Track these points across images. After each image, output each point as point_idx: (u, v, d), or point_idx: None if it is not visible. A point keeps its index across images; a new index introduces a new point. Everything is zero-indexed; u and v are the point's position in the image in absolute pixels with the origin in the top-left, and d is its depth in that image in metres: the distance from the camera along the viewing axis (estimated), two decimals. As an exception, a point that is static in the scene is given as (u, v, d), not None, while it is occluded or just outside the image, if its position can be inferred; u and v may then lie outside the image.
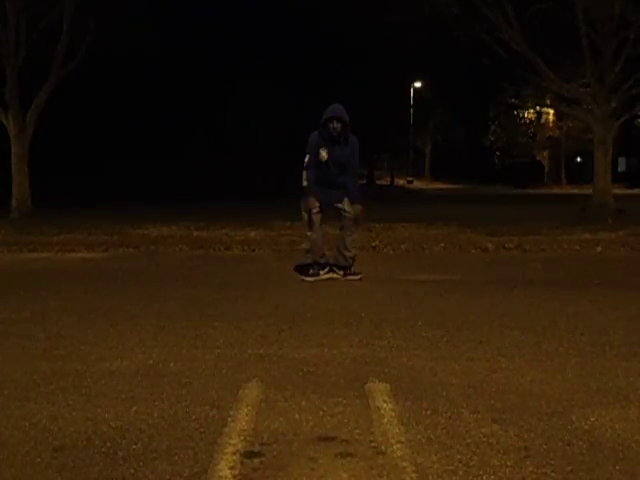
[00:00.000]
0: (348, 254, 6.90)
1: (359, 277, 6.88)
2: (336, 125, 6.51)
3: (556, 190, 41.64)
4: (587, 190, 20.25)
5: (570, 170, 50.18)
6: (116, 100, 26.80)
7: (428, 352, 4.04)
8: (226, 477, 2.41)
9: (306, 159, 6.72)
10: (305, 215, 6.77)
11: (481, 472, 2.45)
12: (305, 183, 6.71)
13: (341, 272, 6.92)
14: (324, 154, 6.65)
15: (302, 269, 7.12)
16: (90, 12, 16.12)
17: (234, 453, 2.60)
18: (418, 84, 49.75)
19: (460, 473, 2.44)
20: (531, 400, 3.20)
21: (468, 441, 2.72)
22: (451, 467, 2.48)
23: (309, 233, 6.85)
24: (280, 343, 4.27)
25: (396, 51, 27.79)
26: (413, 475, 2.42)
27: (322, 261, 6.91)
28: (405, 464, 2.50)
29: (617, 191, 22.13)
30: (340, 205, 6.79)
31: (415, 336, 4.43)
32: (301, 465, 2.49)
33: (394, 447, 2.65)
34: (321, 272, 6.89)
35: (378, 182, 49.29)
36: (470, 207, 21.07)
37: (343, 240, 6.91)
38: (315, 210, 6.69)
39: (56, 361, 3.89)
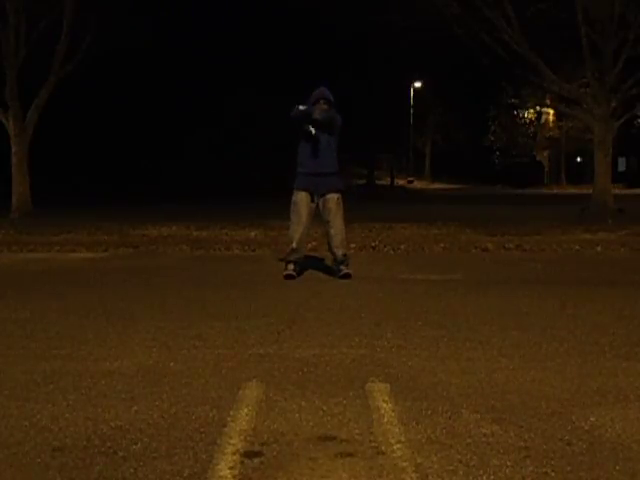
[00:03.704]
0: (339, 253, 6.87)
1: (349, 275, 6.80)
2: (324, 106, 6.84)
3: (556, 190, 41.65)
4: (587, 190, 20.25)
5: (570, 170, 50.23)
6: (116, 100, 26.81)
7: (428, 352, 4.04)
8: (226, 477, 2.41)
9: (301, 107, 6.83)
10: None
11: (481, 472, 2.44)
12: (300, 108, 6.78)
13: (294, 273, 6.90)
14: (312, 129, 6.78)
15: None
16: (90, 11, 16.12)
17: (234, 453, 2.59)
18: (418, 84, 49.74)
19: (460, 473, 2.44)
20: (531, 400, 3.19)
21: (468, 441, 2.71)
22: (451, 467, 2.48)
23: (291, 228, 6.88)
24: (280, 343, 4.26)
25: (396, 51, 27.78)
26: (413, 475, 2.42)
27: (290, 258, 6.91)
28: (405, 464, 2.50)
29: (617, 191, 22.14)
30: (327, 197, 6.83)
31: (415, 336, 4.43)
32: (301, 465, 2.49)
33: (394, 447, 2.65)
34: (289, 267, 6.89)
35: (378, 182, 49.25)
36: (470, 207, 21.09)
37: (331, 238, 6.88)
38: (302, 107, 6.77)
39: (56, 361, 3.88)
